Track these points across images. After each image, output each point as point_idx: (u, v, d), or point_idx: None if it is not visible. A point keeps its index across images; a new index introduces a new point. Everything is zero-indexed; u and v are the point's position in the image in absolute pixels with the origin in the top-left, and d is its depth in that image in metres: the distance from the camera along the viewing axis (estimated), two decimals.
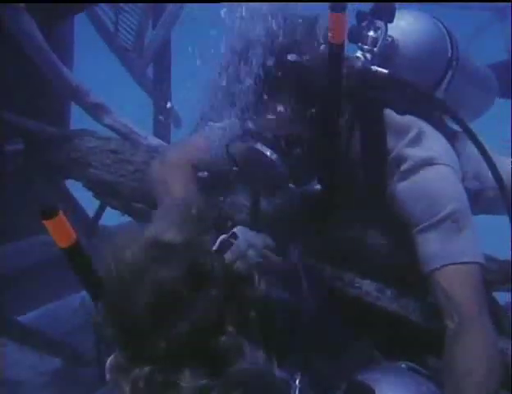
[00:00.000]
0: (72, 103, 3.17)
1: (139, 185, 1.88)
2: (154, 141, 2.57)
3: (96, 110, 2.58)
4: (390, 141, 1.67)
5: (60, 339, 2.99)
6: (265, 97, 1.43)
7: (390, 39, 1.69)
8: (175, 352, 1.00)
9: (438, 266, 1.55)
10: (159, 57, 3.89)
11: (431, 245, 1.59)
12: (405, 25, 1.76)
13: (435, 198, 1.63)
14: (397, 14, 1.66)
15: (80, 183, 2.08)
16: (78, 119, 2.93)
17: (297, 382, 1.08)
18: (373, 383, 1.14)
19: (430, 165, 1.66)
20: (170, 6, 3.86)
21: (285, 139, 1.46)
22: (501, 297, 1.88)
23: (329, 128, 1.51)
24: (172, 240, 1.06)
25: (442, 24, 1.85)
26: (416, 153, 1.67)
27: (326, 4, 1.45)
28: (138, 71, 3.99)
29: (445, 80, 1.82)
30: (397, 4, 1.71)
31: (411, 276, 1.62)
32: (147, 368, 1.00)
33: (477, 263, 1.54)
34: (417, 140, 1.69)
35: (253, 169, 1.50)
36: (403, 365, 1.26)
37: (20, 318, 3.04)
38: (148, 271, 1.02)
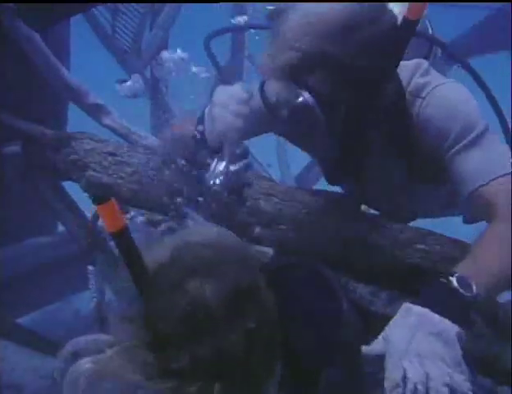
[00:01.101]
0: (69, 106, 3.20)
1: (137, 186, 1.88)
2: (154, 141, 2.58)
3: (95, 111, 2.60)
4: (406, 77, 1.68)
5: (60, 341, 2.98)
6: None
7: None
8: (197, 370, 0.99)
9: (484, 182, 1.56)
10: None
11: (473, 162, 1.60)
12: None
13: (466, 116, 1.65)
14: None
15: (77, 186, 2.08)
16: (75, 122, 2.94)
17: None
18: None
19: (450, 86, 1.69)
20: (167, 8, 3.86)
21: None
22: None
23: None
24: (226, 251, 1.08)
25: None
26: (433, 79, 1.70)
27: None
28: (136, 72, 3.99)
29: None
30: None
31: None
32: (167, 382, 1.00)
33: None
34: (430, 71, 1.73)
35: (290, 113, 1.49)
36: None
37: (21, 320, 3.04)
38: (191, 282, 1.03)
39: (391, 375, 1.14)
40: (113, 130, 2.57)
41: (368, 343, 1.20)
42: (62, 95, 2.77)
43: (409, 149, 1.71)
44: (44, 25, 2.51)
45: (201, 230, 1.17)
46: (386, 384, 1.12)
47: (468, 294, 1.29)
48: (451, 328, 1.22)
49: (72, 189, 2.61)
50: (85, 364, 1.03)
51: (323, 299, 1.20)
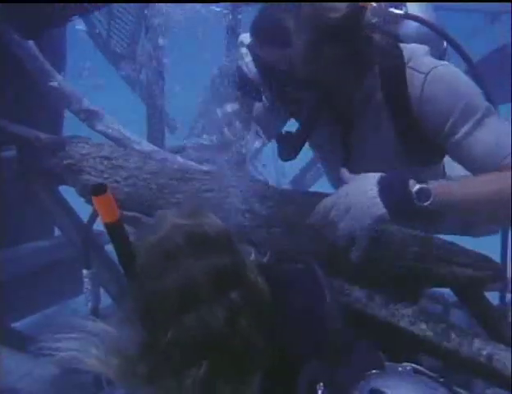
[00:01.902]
0: (65, 111, 3.21)
1: (132, 190, 1.88)
2: (148, 147, 2.59)
3: (89, 116, 2.60)
4: (405, 56, 1.74)
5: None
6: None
7: None
8: (183, 346, 1.04)
9: (497, 166, 1.58)
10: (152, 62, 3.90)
11: (482, 145, 1.62)
12: None
13: (470, 96, 1.67)
14: None
15: (72, 190, 2.08)
16: (71, 127, 2.94)
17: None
18: (392, 391, 1.14)
19: (450, 68, 1.72)
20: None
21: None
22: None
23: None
24: (210, 231, 1.13)
25: None
26: (432, 60, 1.74)
27: None
28: (131, 76, 4.01)
29: None
30: None
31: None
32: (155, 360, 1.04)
33: None
34: (428, 53, 1.77)
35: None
36: (408, 367, 1.24)
37: (16, 325, 3.03)
38: (179, 258, 1.09)
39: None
40: (106, 135, 2.58)
41: (353, 341, 1.23)
42: (54, 101, 2.78)
43: (408, 126, 1.74)
44: (35, 34, 2.52)
45: (186, 211, 1.19)
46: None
47: (420, 203, 1.47)
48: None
49: (69, 194, 2.61)
50: None
51: (308, 291, 1.23)
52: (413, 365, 1.24)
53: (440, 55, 1.91)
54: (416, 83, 1.70)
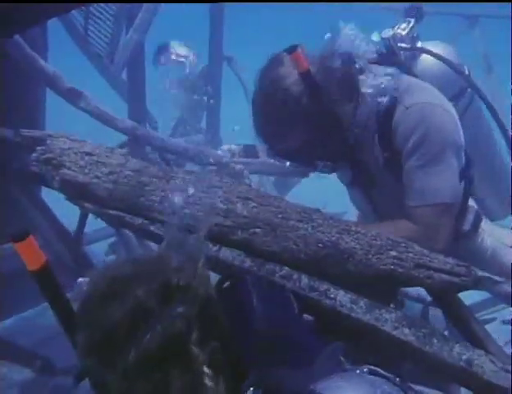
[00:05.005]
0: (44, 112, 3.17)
1: (113, 186, 1.84)
2: (128, 123, 2.65)
3: (71, 94, 2.66)
4: (400, 92, 1.93)
5: (31, 349, 2.91)
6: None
7: None
8: (143, 361, 1.06)
9: (415, 204, 1.87)
10: (133, 62, 3.87)
11: (413, 183, 1.87)
12: None
13: (436, 136, 1.85)
14: None
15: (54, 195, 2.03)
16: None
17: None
18: (329, 392, 1.15)
19: (434, 106, 1.88)
20: (143, 11, 3.84)
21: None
22: None
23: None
24: (144, 260, 1.18)
25: None
26: (423, 96, 1.91)
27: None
28: (111, 76, 3.96)
29: None
30: None
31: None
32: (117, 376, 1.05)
33: (449, 203, 1.87)
34: (427, 89, 1.95)
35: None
36: (365, 369, 1.26)
37: None
38: (122, 287, 1.10)
39: None
40: (88, 112, 2.65)
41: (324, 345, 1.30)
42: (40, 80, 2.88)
43: (393, 154, 1.93)
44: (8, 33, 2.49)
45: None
46: None
47: None
48: None
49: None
50: None
51: (240, 302, 1.29)
52: (370, 367, 1.26)
53: (458, 91, 2.08)
54: (398, 115, 1.89)
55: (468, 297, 1.83)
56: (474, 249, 2.15)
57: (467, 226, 2.05)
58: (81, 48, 4.02)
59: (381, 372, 1.24)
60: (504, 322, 2.71)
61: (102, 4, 3.81)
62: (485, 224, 2.13)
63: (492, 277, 1.62)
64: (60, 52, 3.91)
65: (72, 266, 2.54)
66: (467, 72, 2.11)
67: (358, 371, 1.25)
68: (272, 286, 1.56)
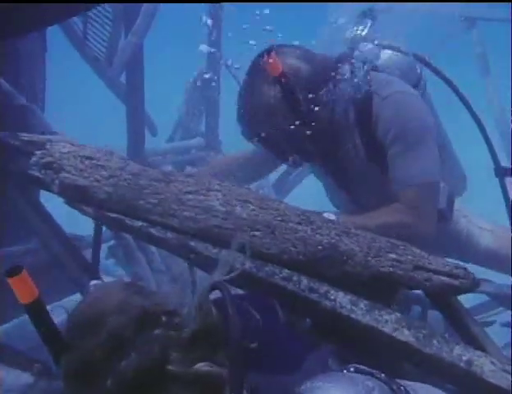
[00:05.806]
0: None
1: (113, 190, 1.84)
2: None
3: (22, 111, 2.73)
4: (373, 84, 2.08)
5: (28, 353, 2.90)
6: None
7: None
8: (121, 388, 1.09)
9: (402, 187, 2.00)
10: (132, 65, 3.87)
11: (402, 166, 2.00)
12: None
13: (412, 121, 2.00)
14: None
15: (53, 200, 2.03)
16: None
17: None
18: (312, 391, 1.16)
19: (405, 94, 2.05)
20: (142, 15, 3.85)
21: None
22: None
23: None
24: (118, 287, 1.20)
25: None
26: (395, 87, 2.07)
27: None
28: (109, 79, 3.97)
29: None
30: None
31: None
32: None
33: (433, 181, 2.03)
34: (395, 80, 2.12)
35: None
36: (351, 369, 1.26)
37: None
38: (97, 316, 1.14)
39: None
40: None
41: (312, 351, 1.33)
42: None
43: (372, 142, 2.08)
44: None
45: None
46: None
47: None
48: None
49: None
50: None
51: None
52: (356, 365, 1.27)
53: (416, 80, 2.22)
54: (375, 106, 2.05)
55: (469, 300, 1.83)
56: (450, 231, 2.29)
57: (442, 204, 2.15)
58: (80, 51, 4.03)
59: (367, 369, 1.25)
60: (503, 324, 2.72)
61: (100, 8, 3.82)
62: (458, 204, 2.27)
63: (490, 280, 1.64)
64: (59, 53, 3.91)
65: (72, 268, 2.52)
66: (428, 60, 2.29)
67: (344, 371, 1.26)
68: (254, 294, 1.62)
